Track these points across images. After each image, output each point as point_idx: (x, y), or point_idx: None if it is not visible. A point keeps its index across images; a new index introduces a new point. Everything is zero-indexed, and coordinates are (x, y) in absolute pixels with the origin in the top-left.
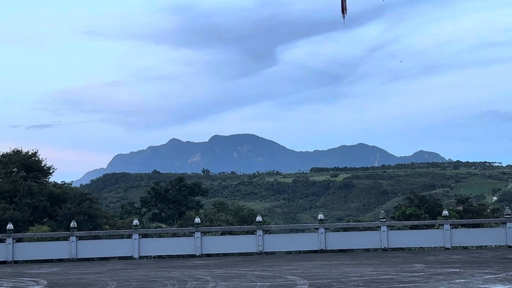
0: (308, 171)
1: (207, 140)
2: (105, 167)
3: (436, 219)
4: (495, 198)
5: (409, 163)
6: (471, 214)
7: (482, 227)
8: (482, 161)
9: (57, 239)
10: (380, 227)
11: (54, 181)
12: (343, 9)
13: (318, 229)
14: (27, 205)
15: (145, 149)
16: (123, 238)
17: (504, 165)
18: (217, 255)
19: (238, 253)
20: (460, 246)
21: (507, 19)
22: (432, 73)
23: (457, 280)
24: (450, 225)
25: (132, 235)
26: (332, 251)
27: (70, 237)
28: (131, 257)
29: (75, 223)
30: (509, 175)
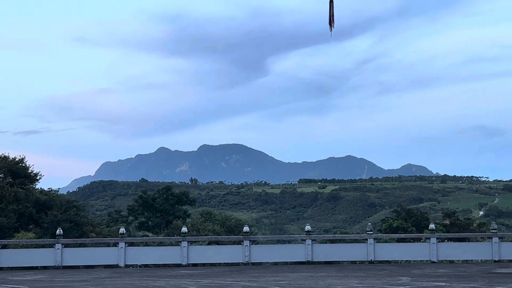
0: (296, 182)
1: (195, 149)
2: (92, 175)
3: (423, 233)
4: (481, 212)
5: (397, 176)
6: (457, 228)
7: (469, 241)
8: (469, 175)
9: (43, 246)
10: (367, 239)
11: (40, 188)
12: (331, 22)
13: (305, 240)
14: (13, 211)
15: (133, 157)
16: (109, 246)
17: (491, 179)
18: (203, 265)
19: (224, 263)
20: (446, 260)
21: (496, 35)
22: (421, 86)
23: None
24: (437, 238)
25: (118, 243)
26: (319, 262)
27: (56, 244)
28: (117, 266)
29: (61, 230)
30: (496, 190)
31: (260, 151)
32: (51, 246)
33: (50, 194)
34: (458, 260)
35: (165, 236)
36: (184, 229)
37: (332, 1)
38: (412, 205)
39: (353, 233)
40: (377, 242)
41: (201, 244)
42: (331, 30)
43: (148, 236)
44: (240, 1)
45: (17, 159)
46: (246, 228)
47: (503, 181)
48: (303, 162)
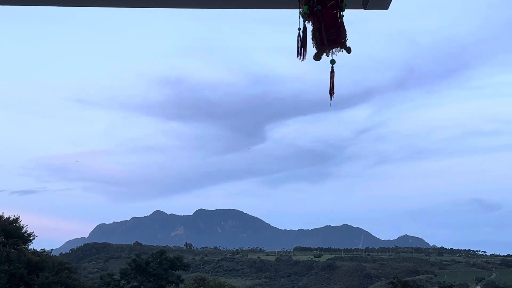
0: (292, 250)
1: (191, 214)
2: (86, 236)
3: None
4: (478, 287)
5: (394, 247)
6: None
7: None
8: (466, 249)
9: None
10: None
11: (33, 248)
12: (331, 91)
13: None
14: (4, 272)
15: (128, 219)
16: None
17: (488, 254)
18: None
19: None
20: None
21: (493, 109)
22: (418, 158)
23: None
24: None
25: None
26: None
27: None
28: None
29: None
30: (493, 264)
31: (256, 217)
32: None
33: (43, 255)
34: None
35: None
36: None
37: (333, 71)
38: (409, 277)
39: None
40: None
41: None
42: (331, 99)
43: None
44: (240, 68)
45: (11, 219)
46: None
47: (500, 256)
48: (299, 229)
